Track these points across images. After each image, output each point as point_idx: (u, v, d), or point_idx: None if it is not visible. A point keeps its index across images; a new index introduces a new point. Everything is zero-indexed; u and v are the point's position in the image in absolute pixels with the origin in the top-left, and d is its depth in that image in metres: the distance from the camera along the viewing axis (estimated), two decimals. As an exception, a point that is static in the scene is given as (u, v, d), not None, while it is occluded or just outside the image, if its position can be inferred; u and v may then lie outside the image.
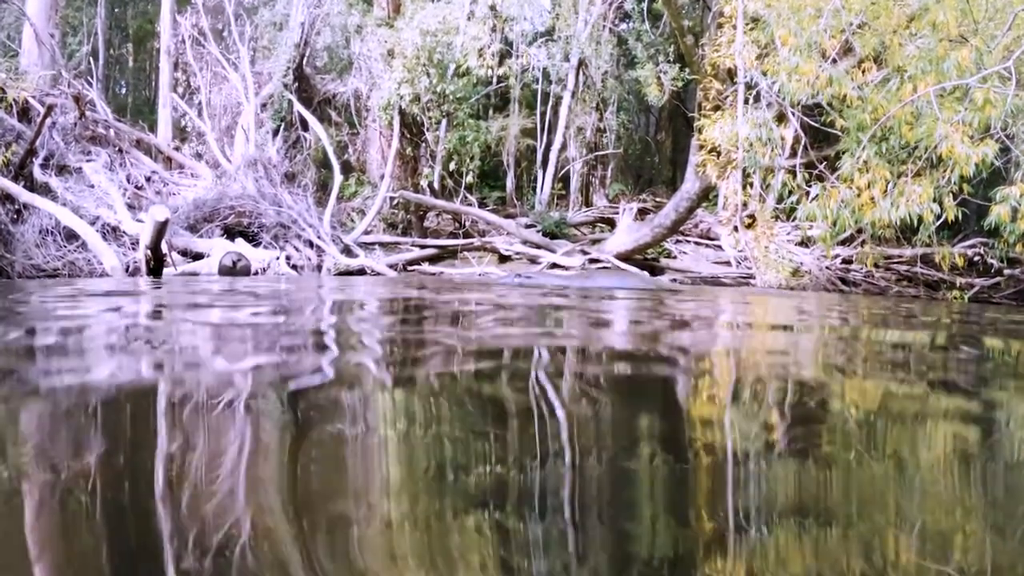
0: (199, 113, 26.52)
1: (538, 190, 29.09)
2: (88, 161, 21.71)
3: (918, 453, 1.72)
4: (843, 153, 12.88)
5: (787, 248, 20.02)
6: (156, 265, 15.59)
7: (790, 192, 12.73)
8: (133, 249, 17.98)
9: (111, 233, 18.84)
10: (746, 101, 14.36)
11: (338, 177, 24.28)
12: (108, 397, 2.06)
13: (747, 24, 14.26)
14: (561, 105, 28.90)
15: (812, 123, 14.30)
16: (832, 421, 1.75)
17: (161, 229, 14.90)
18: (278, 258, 19.81)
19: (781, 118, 14.81)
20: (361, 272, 20.94)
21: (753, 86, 14.26)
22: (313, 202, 22.94)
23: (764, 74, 13.27)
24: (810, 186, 12.65)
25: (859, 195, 11.69)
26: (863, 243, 19.92)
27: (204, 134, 25.75)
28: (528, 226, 24.75)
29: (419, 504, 1.32)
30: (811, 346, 2.90)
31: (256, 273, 18.05)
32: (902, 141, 11.90)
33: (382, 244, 23.81)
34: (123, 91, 38.61)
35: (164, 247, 15.85)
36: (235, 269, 16.40)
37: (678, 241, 24.44)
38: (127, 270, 17.08)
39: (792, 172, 13.67)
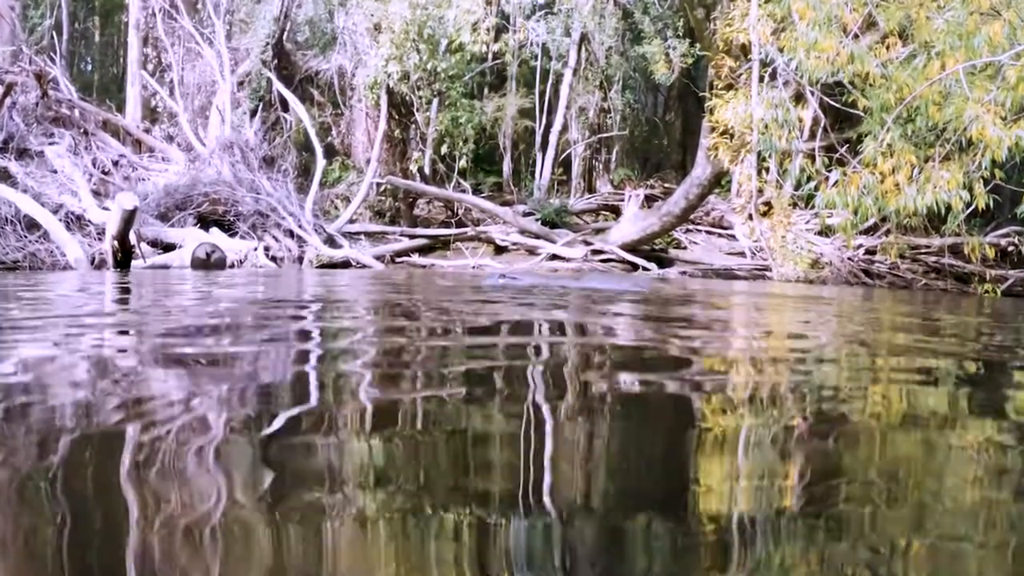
0: (171, 92, 26.49)
1: (537, 175, 29.07)
2: (51, 144, 21.68)
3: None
4: (866, 136, 12.85)
5: (806, 238, 19.99)
6: (124, 257, 15.57)
7: (809, 178, 12.70)
8: (99, 239, 17.93)
9: (75, 222, 18.78)
10: (761, 79, 14.30)
11: (321, 161, 24.24)
12: None
13: (762, -4, 14.21)
14: (562, 83, 28.83)
15: (832, 103, 14.27)
16: None
17: (129, 218, 14.87)
18: (256, 249, 19.78)
19: (799, 98, 14.78)
20: (345, 264, 20.90)
21: (768, 63, 14.21)
22: (294, 188, 22.90)
23: (780, 50, 13.22)
24: (830, 171, 12.63)
25: (882, 181, 11.65)
26: (887, 232, 19.92)
27: (176, 115, 25.71)
28: (526, 214, 24.72)
29: None
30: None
31: (232, 265, 18.02)
32: (929, 123, 11.86)
33: (368, 234, 23.81)
34: (89, 68, 38.54)
35: (132, 238, 15.82)
36: (209, 262, 16.36)
37: (688, 230, 24.43)
38: (92, 262, 17.04)
39: (811, 156, 13.65)
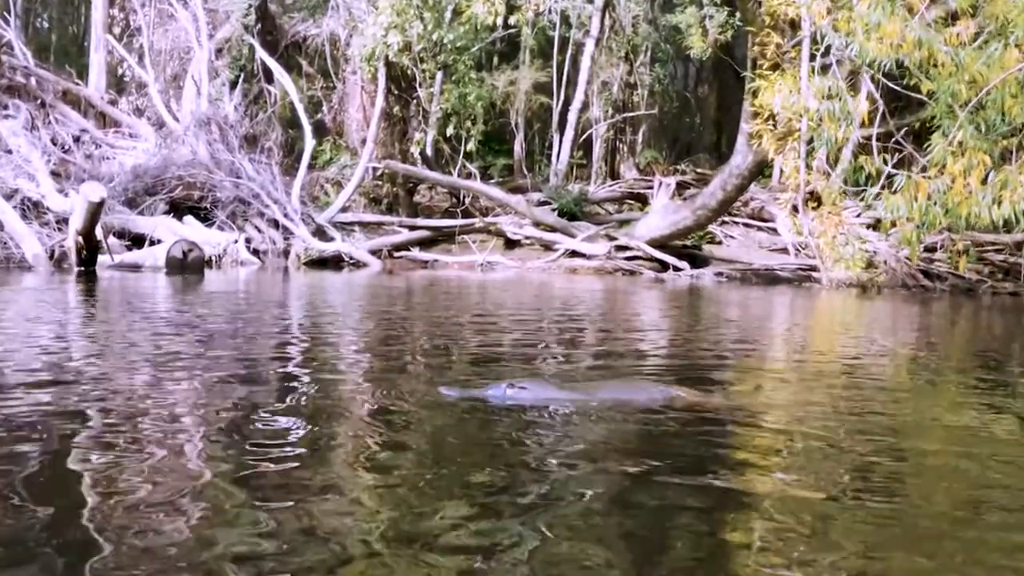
0: (140, 59, 26.39)
1: (553, 159, 28.96)
2: (5, 118, 21.64)
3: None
4: (931, 125, 12.73)
5: (858, 235, 19.87)
6: (89, 255, 15.54)
7: (868, 178, 12.57)
8: (59, 230, 17.90)
9: (32, 210, 18.76)
10: (812, 57, 14.19)
11: (310, 141, 24.17)
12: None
13: (815, -33, 14.07)
14: (583, 55, 28.69)
15: (891, 86, 14.13)
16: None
17: (96, 212, 14.86)
18: (236, 242, 19.75)
19: (853, 81, 14.66)
20: (337, 261, 20.85)
21: (820, 40, 14.08)
22: (279, 172, 22.86)
23: (836, 31, 13.10)
24: (887, 164, 12.49)
25: (952, 184, 11.54)
26: (949, 227, 19.79)
27: (146, 85, 25.63)
28: (541, 203, 24.59)
29: None
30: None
31: (210, 262, 17.99)
32: (1007, 117, 11.73)
33: (363, 224, 23.72)
34: (45, 27, 38.41)
35: (99, 232, 15.78)
36: (186, 262, 16.30)
37: (724, 223, 24.30)
38: (52, 258, 17.01)
39: (865, 146, 13.50)
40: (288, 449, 3.31)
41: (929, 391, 5.79)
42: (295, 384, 4.99)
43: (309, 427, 3.74)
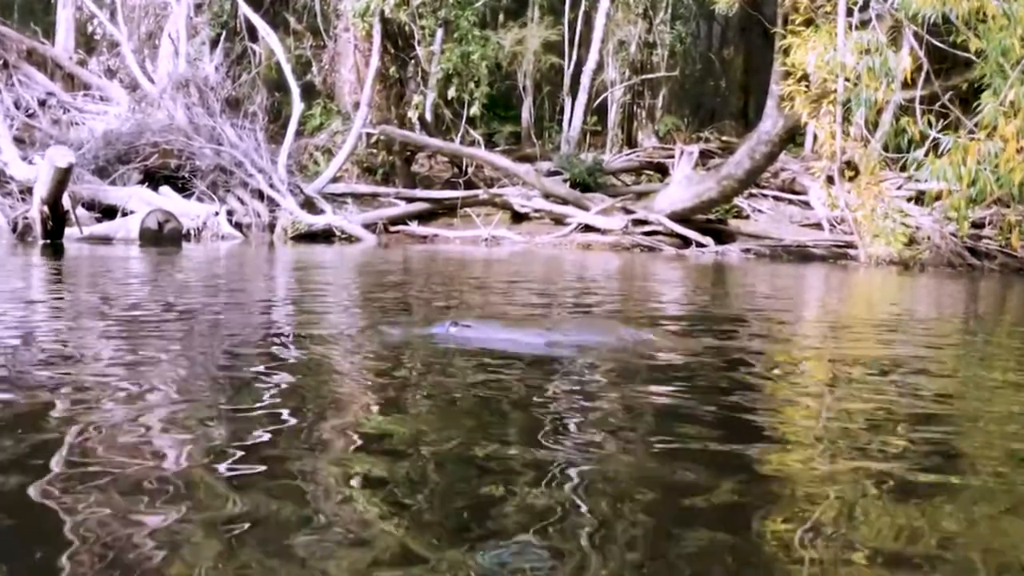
0: (111, 15, 26.31)
1: (565, 125, 28.89)
2: (-36, 80, 21.64)
3: None
4: (980, 86, 12.66)
5: (899, 208, 19.76)
6: (55, 227, 15.48)
7: (910, 142, 12.49)
8: (22, 199, 17.86)
9: (-7, 178, 18.76)
10: (849, 12, 14.10)
11: (298, 105, 24.09)
12: None
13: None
14: (597, 11, 28.60)
15: (936, 43, 14.03)
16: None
17: (63, 179, 14.79)
18: (217, 214, 19.70)
19: (895, 39, 14.55)
20: (328, 235, 20.80)
21: (859, -7, 14.01)
22: (264, 138, 22.79)
23: (876, -20, 13.02)
24: (931, 128, 12.42)
25: (1004, 148, 11.46)
26: (998, 201, 19.66)
27: (118, 44, 25.56)
28: (551, 173, 24.52)
29: None
30: None
31: (188, 236, 17.95)
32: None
33: (356, 196, 23.67)
34: (10, -19, 38.37)
35: (66, 201, 15.73)
36: (161, 234, 16.26)
37: (752, 195, 24.20)
38: (15, 230, 17.00)
39: (908, 108, 13.41)
40: (261, 432, 3.28)
41: (976, 371, 5.71)
42: (270, 363, 4.95)
43: (282, 405, 3.70)
